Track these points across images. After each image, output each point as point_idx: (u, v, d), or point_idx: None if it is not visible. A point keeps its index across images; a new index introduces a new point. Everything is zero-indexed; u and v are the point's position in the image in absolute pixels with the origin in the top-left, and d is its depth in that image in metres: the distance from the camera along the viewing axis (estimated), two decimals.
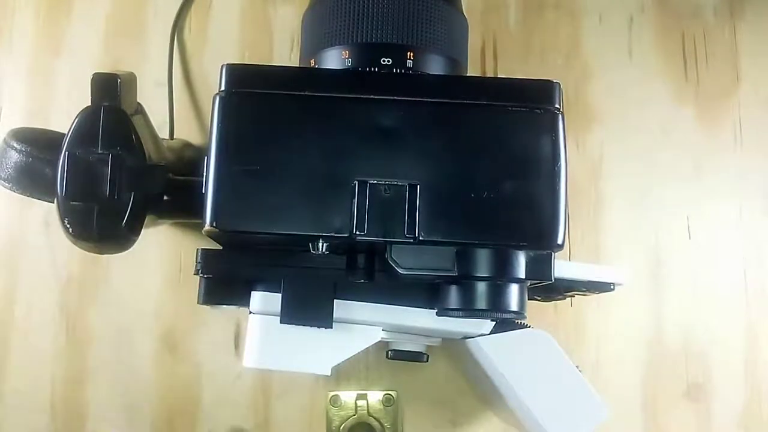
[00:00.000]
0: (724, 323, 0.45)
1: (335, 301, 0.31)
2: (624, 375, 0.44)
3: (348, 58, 0.32)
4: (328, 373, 0.32)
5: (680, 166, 0.46)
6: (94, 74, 0.32)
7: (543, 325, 0.35)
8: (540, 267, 0.30)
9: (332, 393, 0.43)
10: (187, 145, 0.43)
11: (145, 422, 0.44)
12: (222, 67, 0.30)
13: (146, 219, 0.32)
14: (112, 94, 0.31)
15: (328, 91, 0.30)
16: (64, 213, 0.30)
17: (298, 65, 0.35)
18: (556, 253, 0.30)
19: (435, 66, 0.32)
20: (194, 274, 0.32)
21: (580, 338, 0.45)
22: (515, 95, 0.30)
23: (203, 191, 0.29)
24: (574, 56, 0.47)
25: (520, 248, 0.29)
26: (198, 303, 0.33)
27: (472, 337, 0.34)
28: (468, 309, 0.30)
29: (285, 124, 0.29)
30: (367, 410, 0.43)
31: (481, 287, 0.29)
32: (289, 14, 0.47)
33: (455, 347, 0.37)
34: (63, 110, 0.46)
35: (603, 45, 0.47)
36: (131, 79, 0.33)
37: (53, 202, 0.31)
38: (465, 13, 0.35)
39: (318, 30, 0.33)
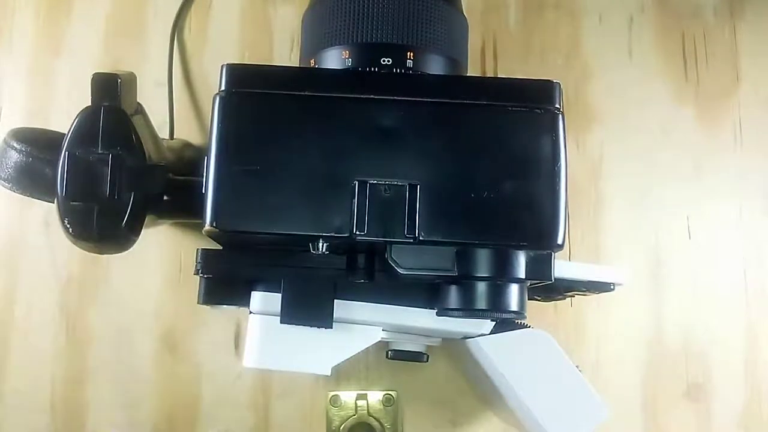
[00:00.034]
0: (724, 323, 0.45)
1: (335, 301, 0.31)
2: (624, 375, 0.44)
3: (348, 58, 0.32)
4: (328, 373, 0.32)
5: (680, 166, 0.46)
6: (94, 74, 0.32)
7: (543, 325, 0.35)
8: (540, 267, 0.30)
9: (332, 393, 0.43)
10: (187, 145, 0.43)
11: (145, 422, 0.44)
12: (222, 67, 0.30)
13: (146, 219, 0.32)
14: (112, 94, 0.31)
15: (328, 91, 0.30)
16: (64, 213, 0.30)
17: (298, 65, 0.35)
18: (556, 253, 0.30)
19: (435, 66, 0.32)
20: (194, 274, 0.32)
21: (580, 338, 0.45)
22: (515, 95, 0.30)
23: (203, 191, 0.29)
24: (574, 56, 0.47)
25: (520, 248, 0.29)
26: (198, 303, 0.33)
27: (472, 337, 0.34)
28: (468, 309, 0.30)
29: (285, 124, 0.29)
30: (367, 410, 0.43)
31: (481, 287, 0.29)
32: (289, 14, 0.47)
33: (455, 347, 0.37)
34: (63, 110, 0.46)
35: (603, 45, 0.47)
36: (131, 79, 0.33)
37: (53, 202, 0.31)
38: (465, 13, 0.35)
39: (318, 30, 0.33)
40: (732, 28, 0.48)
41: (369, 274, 0.31)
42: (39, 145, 0.33)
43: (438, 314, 0.31)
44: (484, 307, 0.29)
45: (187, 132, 0.46)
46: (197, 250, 0.32)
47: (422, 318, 0.33)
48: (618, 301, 0.44)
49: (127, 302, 0.45)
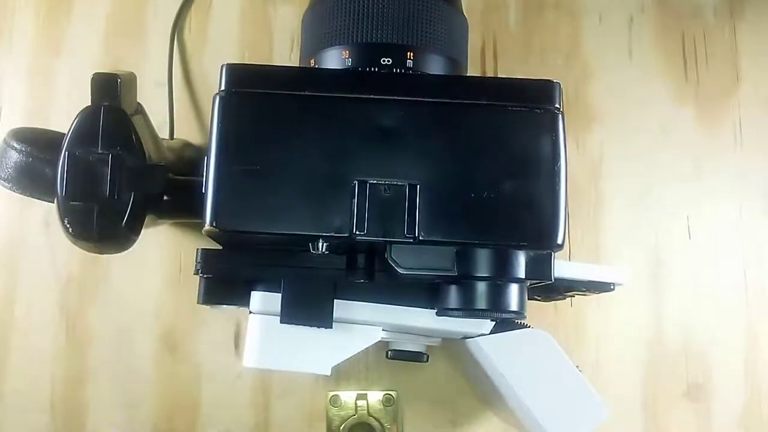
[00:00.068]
0: (724, 323, 0.45)
1: (335, 301, 0.31)
2: (624, 375, 0.44)
3: (348, 58, 0.32)
4: (328, 373, 0.32)
5: (680, 166, 0.46)
6: (94, 74, 0.32)
7: (543, 325, 0.35)
8: (540, 267, 0.30)
9: (332, 393, 0.43)
10: (187, 145, 0.43)
11: (145, 422, 0.44)
12: (222, 67, 0.30)
13: (146, 219, 0.32)
14: (112, 94, 0.31)
15: (328, 91, 0.30)
16: (64, 213, 0.30)
17: (298, 65, 0.35)
18: (556, 253, 0.30)
19: (435, 66, 0.32)
20: (194, 274, 0.32)
21: (580, 338, 0.45)
22: (515, 95, 0.30)
23: (203, 191, 0.29)
24: (574, 56, 0.47)
25: (520, 248, 0.29)
26: (198, 303, 0.33)
27: (472, 337, 0.34)
28: (468, 309, 0.30)
29: (285, 124, 0.29)
30: (367, 410, 0.43)
31: (481, 287, 0.29)
32: (289, 14, 0.47)
33: (455, 347, 0.37)
34: (63, 110, 0.46)
35: (603, 45, 0.47)
36: (131, 79, 0.33)
37: (53, 202, 0.31)
38: (465, 13, 0.35)
39: (318, 30, 0.33)
40: (732, 28, 0.48)
41: (369, 274, 0.31)
42: (39, 145, 0.33)
43: (438, 314, 0.31)
44: (484, 307, 0.29)
45: (187, 132, 0.46)
46: (197, 250, 0.32)
47: (422, 318, 0.33)
48: (618, 301, 0.44)
49: (127, 302, 0.45)
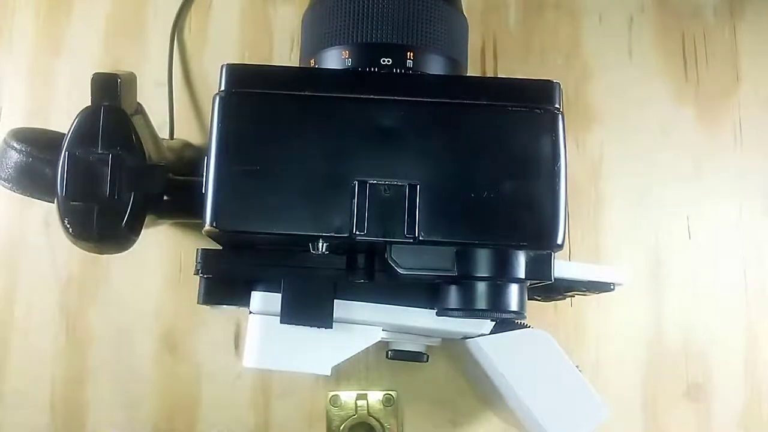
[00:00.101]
0: (724, 323, 0.45)
1: (335, 301, 0.31)
2: (624, 375, 0.44)
3: (348, 58, 0.32)
4: (328, 373, 0.32)
5: (680, 166, 0.46)
6: (94, 74, 0.32)
7: (543, 325, 0.35)
8: (540, 267, 0.30)
9: (332, 393, 0.43)
10: (187, 145, 0.43)
11: (145, 422, 0.44)
12: (222, 67, 0.30)
13: (146, 219, 0.32)
14: (112, 94, 0.31)
15: (328, 91, 0.30)
16: (64, 213, 0.30)
17: (298, 65, 0.35)
18: (556, 253, 0.30)
19: (435, 66, 0.32)
20: (194, 274, 0.32)
21: (580, 338, 0.45)
22: (515, 95, 0.30)
23: (203, 191, 0.29)
24: (574, 56, 0.47)
25: (520, 248, 0.29)
26: (198, 303, 0.33)
27: (472, 337, 0.34)
28: (468, 309, 0.30)
29: (285, 124, 0.29)
30: (367, 410, 0.43)
31: (481, 287, 0.29)
32: (289, 14, 0.47)
33: (455, 347, 0.37)
34: (63, 110, 0.46)
35: (603, 45, 0.47)
36: (131, 79, 0.33)
37: (53, 202, 0.31)
38: (465, 13, 0.35)
39: (318, 30, 0.33)
40: (732, 28, 0.48)
41: (369, 274, 0.31)
42: (39, 145, 0.33)
43: (438, 314, 0.31)
44: (484, 307, 0.29)
45: (187, 132, 0.46)
46: (197, 250, 0.32)
47: (422, 318, 0.33)
48: (618, 301, 0.44)
49: (127, 302, 0.45)
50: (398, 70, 0.32)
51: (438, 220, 0.29)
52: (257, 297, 0.32)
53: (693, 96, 0.47)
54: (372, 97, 0.30)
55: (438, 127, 0.30)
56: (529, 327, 0.35)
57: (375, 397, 0.43)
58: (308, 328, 0.31)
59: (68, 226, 0.30)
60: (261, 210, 0.28)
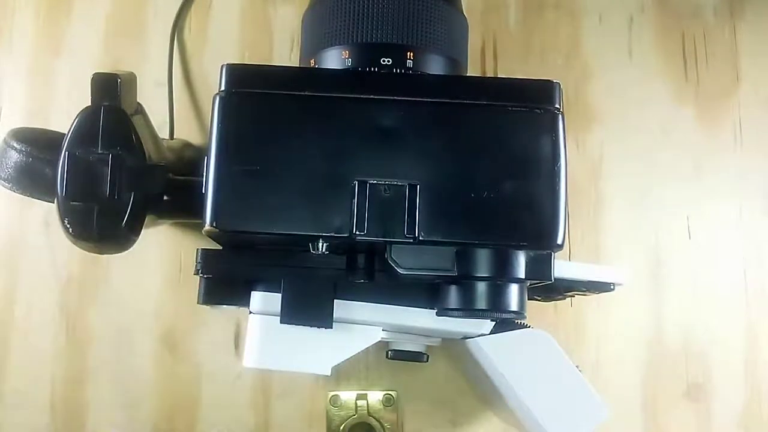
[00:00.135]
0: (724, 323, 0.45)
1: (335, 301, 0.31)
2: (624, 375, 0.44)
3: (348, 58, 0.32)
4: (328, 373, 0.32)
5: (680, 166, 0.46)
6: (94, 74, 0.32)
7: (543, 325, 0.35)
8: (540, 267, 0.30)
9: (332, 393, 0.43)
10: (187, 145, 0.43)
11: (145, 422, 0.44)
12: (222, 67, 0.30)
13: (146, 219, 0.32)
14: (112, 94, 0.31)
15: (328, 91, 0.30)
16: (64, 213, 0.30)
17: (298, 65, 0.35)
18: (556, 253, 0.30)
19: (435, 66, 0.32)
20: (194, 274, 0.32)
21: (580, 338, 0.45)
22: (515, 95, 0.30)
23: (203, 191, 0.29)
24: (574, 56, 0.47)
25: (520, 248, 0.29)
26: (198, 303, 0.33)
27: (472, 337, 0.34)
28: (468, 309, 0.30)
29: (285, 124, 0.29)
30: (367, 410, 0.43)
31: (481, 287, 0.29)
32: (289, 14, 0.47)
33: (455, 347, 0.37)
34: (63, 110, 0.46)
35: (603, 45, 0.47)
36: (131, 79, 0.33)
37: (53, 202, 0.31)
38: (465, 13, 0.35)
39: (318, 30, 0.33)
40: (732, 28, 0.48)
41: (369, 274, 0.31)
42: (39, 145, 0.33)
43: (438, 314, 0.31)
44: (484, 307, 0.29)
45: (187, 132, 0.46)
46: (197, 250, 0.32)
47: (422, 318, 0.33)
48: (618, 301, 0.44)
49: (127, 302, 0.45)
50: (398, 70, 0.32)
51: (438, 220, 0.29)
52: (257, 297, 0.32)
53: (693, 96, 0.47)
54: (372, 97, 0.30)
55: (438, 127, 0.30)
56: (529, 327, 0.35)
57: (375, 397, 0.43)
58: (308, 328, 0.31)
59: (68, 226, 0.30)
60: (261, 210, 0.28)
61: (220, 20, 0.48)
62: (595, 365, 0.44)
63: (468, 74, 0.35)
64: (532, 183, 0.29)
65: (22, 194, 0.33)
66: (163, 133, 0.43)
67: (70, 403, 0.44)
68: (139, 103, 0.34)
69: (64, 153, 0.31)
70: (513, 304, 0.29)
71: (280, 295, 0.31)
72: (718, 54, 0.48)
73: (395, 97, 0.30)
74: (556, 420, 0.33)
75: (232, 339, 0.45)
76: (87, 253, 0.32)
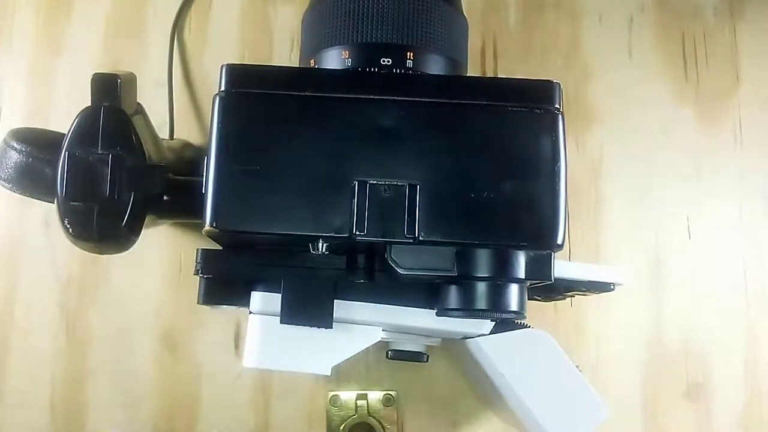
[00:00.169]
0: (724, 323, 0.45)
1: (335, 301, 0.31)
2: (624, 375, 0.44)
3: (348, 58, 0.32)
4: (328, 373, 0.32)
5: (680, 166, 0.46)
6: (94, 74, 0.32)
7: (543, 325, 0.35)
8: (540, 267, 0.30)
9: (332, 393, 0.43)
10: (187, 145, 0.43)
11: (145, 422, 0.44)
12: (222, 67, 0.30)
13: (146, 219, 0.32)
14: (112, 94, 0.31)
15: (328, 91, 0.30)
16: (64, 213, 0.30)
17: (298, 65, 0.35)
18: (556, 253, 0.30)
19: (435, 66, 0.32)
20: (194, 274, 0.32)
21: (580, 338, 0.45)
22: (515, 95, 0.30)
23: (203, 191, 0.29)
24: (574, 56, 0.47)
25: (520, 248, 0.29)
26: (198, 303, 0.33)
27: (472, 337, 0.34)
28: (468, 309, 0.30)
29: (285, 124, 0.29)
30: (367, 410, 0.43)
31: (481, 287, 0.29)
32: (289, 14, 0.47)
33: (455, 347, 0.37)
34: (63, 110, 0.46)
35: (603, 45, 0.47)
36: (131, 79, 0.33)
37: (53, 202, 0.31)
38: (465, 13, 0.35)
39: (318, 30, 0.33)
40: (732, 28, 0.48)
41: (369, 274, 0.31)
42: (39, 145, 0.33)
43: (438, 314, 0.31)
44: (484, 307, 0.29)
45: (187, 132, 0.46)
46: (197, 250, 0.32)
47: (422, 318, 0.33)
48: (618, 301, 0.44)
49: (127, 302, 0.45)
50: (398, 70, 0.32)
51: (438, 220, 0.29)
52: (257, 297, 0.32)
53: (693, 96, 0.47)
54: (372, 97, 0.30)
55: (438, 127, 0.30)
56: (529, 327, 0.35)
57: (375, 397, 0.43)
58: (308, 328, 0.31)
59: (68, 226, 0.30)
60: (261, 210, 0.28)
61: (220, 20, 0.48)
62: (595, 365, 0.44)
63: (468, 74, 0.35)
64: (532, 183, 0.29)
65: (22, 194, 0.33)
66: (163, 133, 0.43)
67: (70, 403, 0.44)
68: (139, 103, 0.34)
69: (64, 153, 0.31)
70: (513, 304, 0.29)
71: (280, 295, 0.31)
72: (718, 54, 0.48)
73: (395, 98, 0.30)
74: (556, 420, 0.33)
75: (232, 339, 0.45)
76: (87, 253, 0.32)
